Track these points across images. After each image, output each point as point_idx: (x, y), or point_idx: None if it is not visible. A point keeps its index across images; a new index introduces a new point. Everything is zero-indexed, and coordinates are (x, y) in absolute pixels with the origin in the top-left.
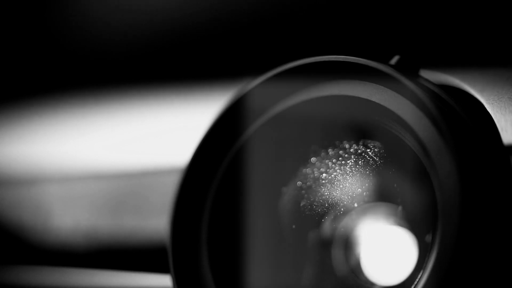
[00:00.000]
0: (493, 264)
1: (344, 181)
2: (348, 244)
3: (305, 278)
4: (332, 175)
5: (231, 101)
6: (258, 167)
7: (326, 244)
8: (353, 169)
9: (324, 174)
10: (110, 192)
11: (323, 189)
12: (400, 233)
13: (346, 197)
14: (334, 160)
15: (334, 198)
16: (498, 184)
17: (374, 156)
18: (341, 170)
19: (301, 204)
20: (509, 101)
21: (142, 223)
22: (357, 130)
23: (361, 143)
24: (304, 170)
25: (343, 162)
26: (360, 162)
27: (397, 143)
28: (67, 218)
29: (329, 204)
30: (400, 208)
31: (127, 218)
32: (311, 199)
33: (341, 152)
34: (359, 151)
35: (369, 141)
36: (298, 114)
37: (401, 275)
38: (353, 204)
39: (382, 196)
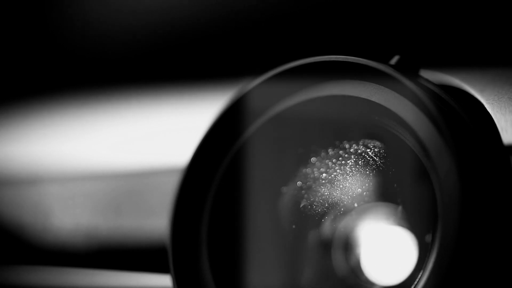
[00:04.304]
0: (493, 264)
1: (344, 181)
2: (348, 244)
3: (305, 278)
4: (332, 175)
5: (231, 101)
6: (258, 167)
7: (326, 244)
8: (353, 169)
9: (324, 174)
10: (110, 192)
11: (323, 189)
12: (400, 233)
13: (346, 197)
14: (334, 160)
15: (334, 198)
16: (498, 184)
17: (374, 156)
18: (341, 170)
19: (301, 204)
20: (509, 101)
21: (142, 223)
22: (357, 130)
23: (361, 143)
24: (304, 170)
25: (343, 162)
26: (360, 162)
27: (397, 143)
28: (67, 218)
29: (329, 204)
30: (400, 208)
31: (127, 218)
32: (311, 199)
33: (341, 152)
34: (359, 151)
35: (369, 141)
36: (298, 114)
37: (401, 275)
38: (353, 204)
39: (382, 196)
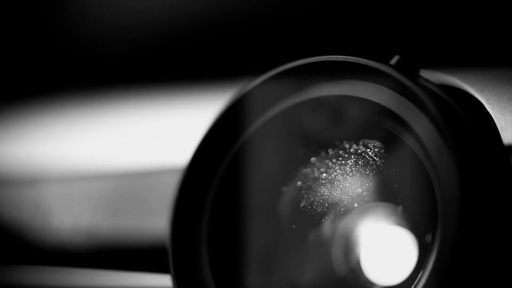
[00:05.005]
0: (493, 264)
1: (344, 181)
2: (348, 244)
3: (305, 278)
4: (332, 175)
5: (231, 101)
6: (258, 167)
7: (326, 244)
8: (353, 169)
9: (324, 174)
10: (110, 192)
11: (323, 189)
12: (400, 233)
13: (346, 197)
14: (334, 160)
15: (334, 198)
16: (498, 184)
17: (374, 156)
18: (341, 170)
19: (301, 204)
20: (509, 101)
21: (142, 223)
22: (357, 130)
23: (361, 143)
24: (304, 170)
25: (343, 162)
26: (360, 162)
27: (397, 143)
28: (67, 218)
29: (329, 204)
30: (400, 208)
31: (127, 218)
32: (311, 199)
33: (341, 152)
34: (359, 151)
35: (369, 141)
36: (298, 114)
37: (401, 275)
38: (353, 204)
39: (382, 196)
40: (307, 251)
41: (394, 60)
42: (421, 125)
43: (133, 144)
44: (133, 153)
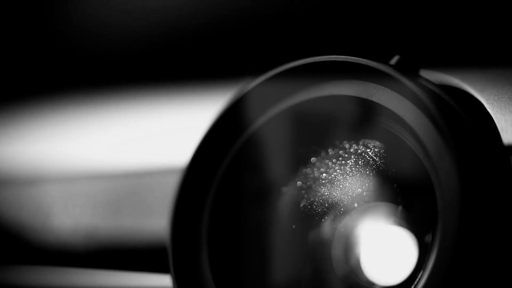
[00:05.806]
0: (493, 264)
1: (344, 181)
2: (348, 244)
3: (305, 278)
4: (332, 175)
5: (231, 101)
6: (258, 167)
7: (326, 244)
8: (353, 169)
9: (324, 174)
10: (110, 192)
11: (323, 189)
12: (400, 233)
13: (346, 197)
14: (334, 160)
15: (334, 198)
16: (498, 184)
17: (374, 156)
18: (341, 170)
19: (301, 204)
20: (509, 101)
21: (142, 223)
22: (357, 130)
23: (361, 143)
24: (304, 170)
25: (343, 162)
26: (360, 162)
27: (397, 143)
28: (67, 218)
29: (329, 204)
30: (400, 208)
31: (127, 218)
32: (311, 199)
33: (341, 152)
34: (359, 151)
35: (369, 141)
36: (298, 114)
37: (401, 275)
38: (353, 204)
39: (382, 196)
40: (307, 251)
41: (394, 60)
42: (421, 125)
43: (133, 144)
44: (133, 153)
